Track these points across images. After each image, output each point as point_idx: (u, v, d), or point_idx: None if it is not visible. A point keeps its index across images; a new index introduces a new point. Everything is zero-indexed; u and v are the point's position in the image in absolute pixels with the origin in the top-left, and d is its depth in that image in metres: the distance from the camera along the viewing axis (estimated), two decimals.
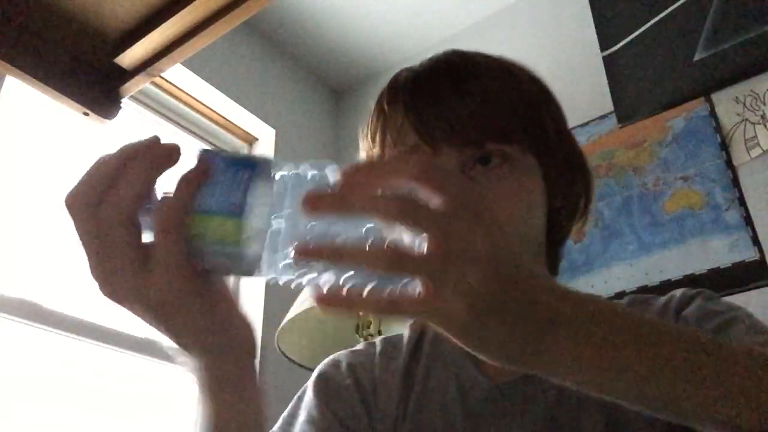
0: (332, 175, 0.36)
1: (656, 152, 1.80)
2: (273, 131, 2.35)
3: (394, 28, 2.47)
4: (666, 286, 1.63)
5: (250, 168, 0.37)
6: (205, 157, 0.38)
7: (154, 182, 0.38)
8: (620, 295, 1.56)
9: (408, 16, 2.42)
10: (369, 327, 1.47)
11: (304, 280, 0.36)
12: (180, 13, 0.76)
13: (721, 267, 1.58)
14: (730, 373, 0.36)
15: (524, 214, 0.57)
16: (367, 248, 0.32)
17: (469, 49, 0.63)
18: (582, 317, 0.35)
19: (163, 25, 0.78)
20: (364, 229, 0.34)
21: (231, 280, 0.44)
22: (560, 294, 0.35)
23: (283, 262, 0.36)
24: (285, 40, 2.51)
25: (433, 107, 0.56)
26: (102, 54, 0.84)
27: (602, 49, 2.01)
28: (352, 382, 0.64)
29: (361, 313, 0.39)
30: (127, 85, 0.87)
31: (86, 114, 0.87)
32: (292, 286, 0.38)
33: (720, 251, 1.59)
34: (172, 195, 0.37)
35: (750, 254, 1.55)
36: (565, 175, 0.61)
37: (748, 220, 1.59)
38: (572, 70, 2.03)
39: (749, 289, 1.52)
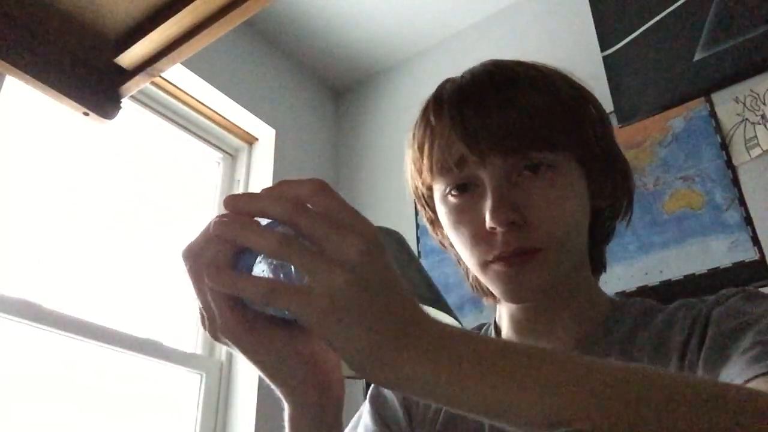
0: None
1: (656, 152, 1.80)
2: (273, 131, 2.35)
3: (394, 28, 2.47)
4: (666, 286, 1.64)
5: None
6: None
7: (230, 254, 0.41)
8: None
9: (408, 16, 2.42)
10: None
11: None
12: (180, 13, 0.76)
13: (721, 267, 1.58)
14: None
15: (569, 218, 0.59)
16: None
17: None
18: (434, 336, 0.37)
19: (163, 25, 0.78)
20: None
21: None
22: (418, 313, 0.38)
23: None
24: (285, 40, 2.51)
25: (478, 119, 0.58)
26: (102, 54, 0.84)
27: (602, 49, 2.01)
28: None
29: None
30: (127, 85, 0.87)
31: (86, 114, 0.87)
32: None
33: (720, 251, 1.59)
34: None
35: (750, 254, 1.55)
36: (608, 178, 0.64)
37: (748, 220, 1.59)
38: (572, 70, 2.02)
39: None
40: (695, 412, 0.34)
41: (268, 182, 2.23)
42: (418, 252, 2.11)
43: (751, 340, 0.48)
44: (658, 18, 1.93)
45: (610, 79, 1.95)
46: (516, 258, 0.57)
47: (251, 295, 0.37)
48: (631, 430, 0.34)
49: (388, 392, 0.71)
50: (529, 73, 0.62)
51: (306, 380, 0.46)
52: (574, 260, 0.62)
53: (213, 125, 2.26)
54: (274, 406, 0.51)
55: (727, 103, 1.74)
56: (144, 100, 2.05)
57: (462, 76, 0.64)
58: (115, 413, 1.62)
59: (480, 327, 0.75)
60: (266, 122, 2.34)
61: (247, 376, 1.89)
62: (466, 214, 0.60)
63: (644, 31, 1.95)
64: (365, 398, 0.75)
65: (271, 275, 0.39)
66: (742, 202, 1.61)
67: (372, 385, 0.74)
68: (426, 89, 0.68)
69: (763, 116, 1.67)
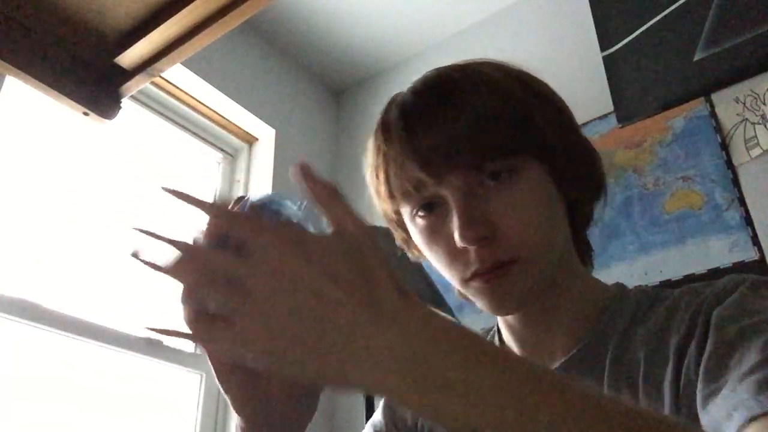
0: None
1: (656, 152, 1.80)
2: (273, 131, 2.35)
3: (394, 28, 2.47)
4: (666, 287, 1.63)
5: None
6: None
7: None
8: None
9: (408, 16, 2.42)
10: None
11: None
12: (180, 13, 0.76)
13: (721, 267, 1.57)
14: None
15: (540, 221, 0.57)
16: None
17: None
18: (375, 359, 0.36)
19: (163, 25, 0.78)
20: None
21: None
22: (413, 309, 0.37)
23: None
24: (285, 40, 2.51)
25: (426, 139, 0.56)
26: (102, 54, 0.84)
27: (602, 49, 2.01)
28: None
29: None
30: (127, 85, 0.87)
31: (86, 114, 0.87)
32: None
33: (720, 251, 1.59)
34: None
35: (750, 254, 1.55)
36: (574, 167, 0.61)
37: (748, 220, 1.59)
38: (572, 70, 2.02)
39: None
40: None
41: (268, 182, 2.23)
42: None
43: (755, 357, 0.44)
44: (658, 18, 1.93)
45: (610, 79, 1.95)
46: (493, 273, 0.56)
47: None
48: None
49: None
50: (472, 79, 0.59)
51: (275, 414, 0.50)
52: (556, 260, 0.60)
53: (213, 125, 2.26)
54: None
55: (727, 103, 1.73)
56: (144, 100, 2.05)
57: (405, 94, 0.62)
58: (115, 413, 1.62)
59: (487, 332, 0.72)
60: (266, 122, 2.34)
61: None
62: (436, 234, 0.58)
63: (644, 31, 1.95)
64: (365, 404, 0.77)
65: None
66: (742, 202, 1.61)
67: None
68: None
69: (763, 116, 1.67)
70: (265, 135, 2.36)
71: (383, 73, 2.65)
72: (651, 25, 1.94)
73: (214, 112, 2.23)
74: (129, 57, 0.83)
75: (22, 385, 1.45)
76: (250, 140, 2.37)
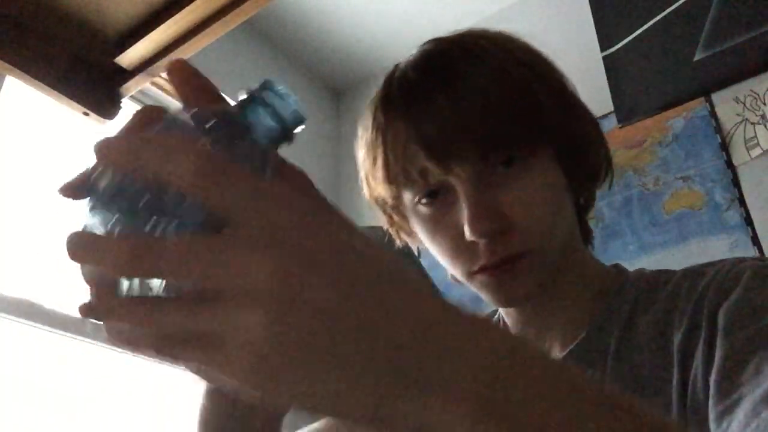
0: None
1: (656, 152, 1.80)
2: None
3: (394, 29, 2.47)
4: None
5: None
6: None
7: None
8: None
9: (408, 16, 2.42)
10: None
11: None
12: (180, 13, 0.76)
13: None
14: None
15: (552, 211, 0.55)
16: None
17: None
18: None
19: (163, 25, 0.78)
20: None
21: None
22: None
23: None
24: (285, 40, 2.51)
25: (435, 124, 0.54)
26: (102, 54, 0.84)
27: (602, 49, 2.01)
28: None
29: None
30: (127, 85, 0.87)
31: (86, 114, 0.87)
32: None
33: (720, 251, 1.59)
34: None
35: (750, 254, 1.55)
36: (580, 148, 0.59)
37: (748, 220, 1.59)
38: (572, 70, 2.01)
39: None
40: None
41: None
42: (418, 252, 2.11)
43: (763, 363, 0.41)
44: (658, 18, 1.93)
45: (610, 79, 1.95)
46: (502, 266, 0.53)
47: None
48: None
49: None
50: (474, 58, 0.57)
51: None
52: (564, 248, 0.57)
53: None
54: None
55: (727, 103, 1.74)
56: (144, 100, 2.05)
57: (406, 71, 0.60)
58: (115, 413, 1.62)
59: (492, 315, 0.69)
60: None
61: None
62: (441, 224, 0.55)
63: (644, 31, 1.95)
64: None
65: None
66: (742, 202, 1.61)
67: None
68: None
69: (763, 116, 1.67)
70: None
71: (383, 73, 2.65)
72: (651, 25, 1.94)
73: None
74: (129, 57, 0.83)
75: (22, 385, 1.45)
76: None
